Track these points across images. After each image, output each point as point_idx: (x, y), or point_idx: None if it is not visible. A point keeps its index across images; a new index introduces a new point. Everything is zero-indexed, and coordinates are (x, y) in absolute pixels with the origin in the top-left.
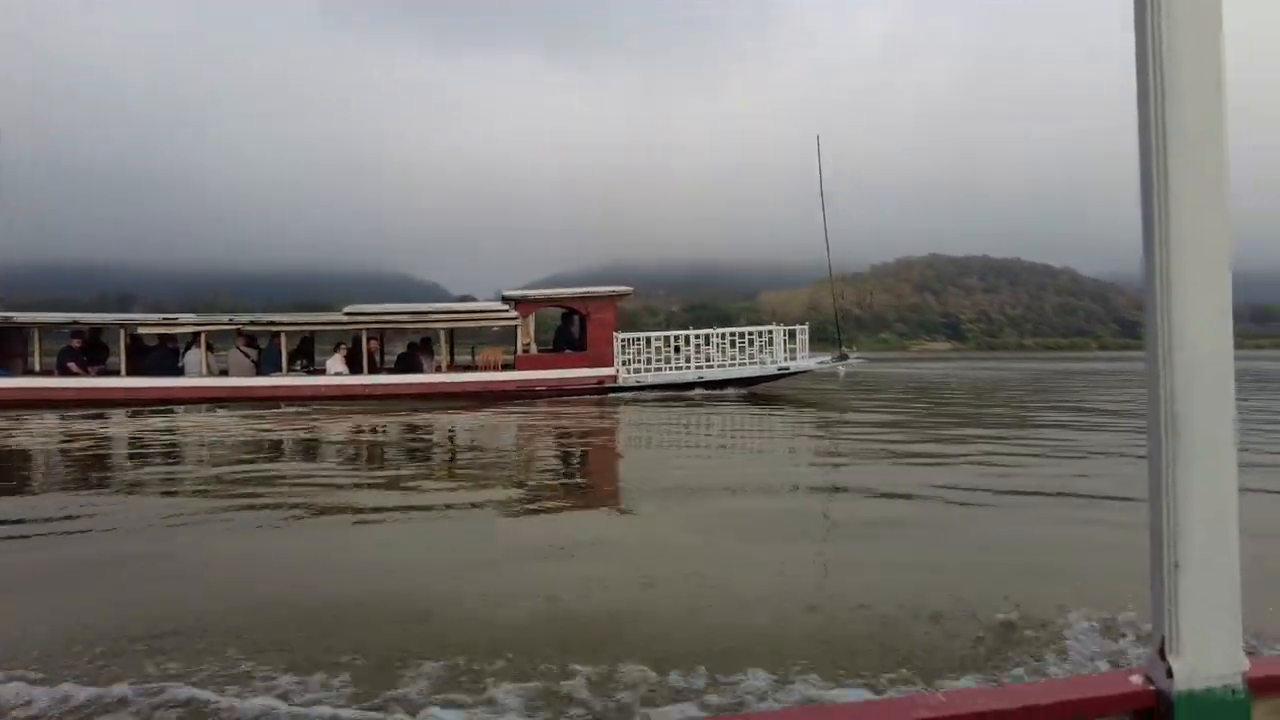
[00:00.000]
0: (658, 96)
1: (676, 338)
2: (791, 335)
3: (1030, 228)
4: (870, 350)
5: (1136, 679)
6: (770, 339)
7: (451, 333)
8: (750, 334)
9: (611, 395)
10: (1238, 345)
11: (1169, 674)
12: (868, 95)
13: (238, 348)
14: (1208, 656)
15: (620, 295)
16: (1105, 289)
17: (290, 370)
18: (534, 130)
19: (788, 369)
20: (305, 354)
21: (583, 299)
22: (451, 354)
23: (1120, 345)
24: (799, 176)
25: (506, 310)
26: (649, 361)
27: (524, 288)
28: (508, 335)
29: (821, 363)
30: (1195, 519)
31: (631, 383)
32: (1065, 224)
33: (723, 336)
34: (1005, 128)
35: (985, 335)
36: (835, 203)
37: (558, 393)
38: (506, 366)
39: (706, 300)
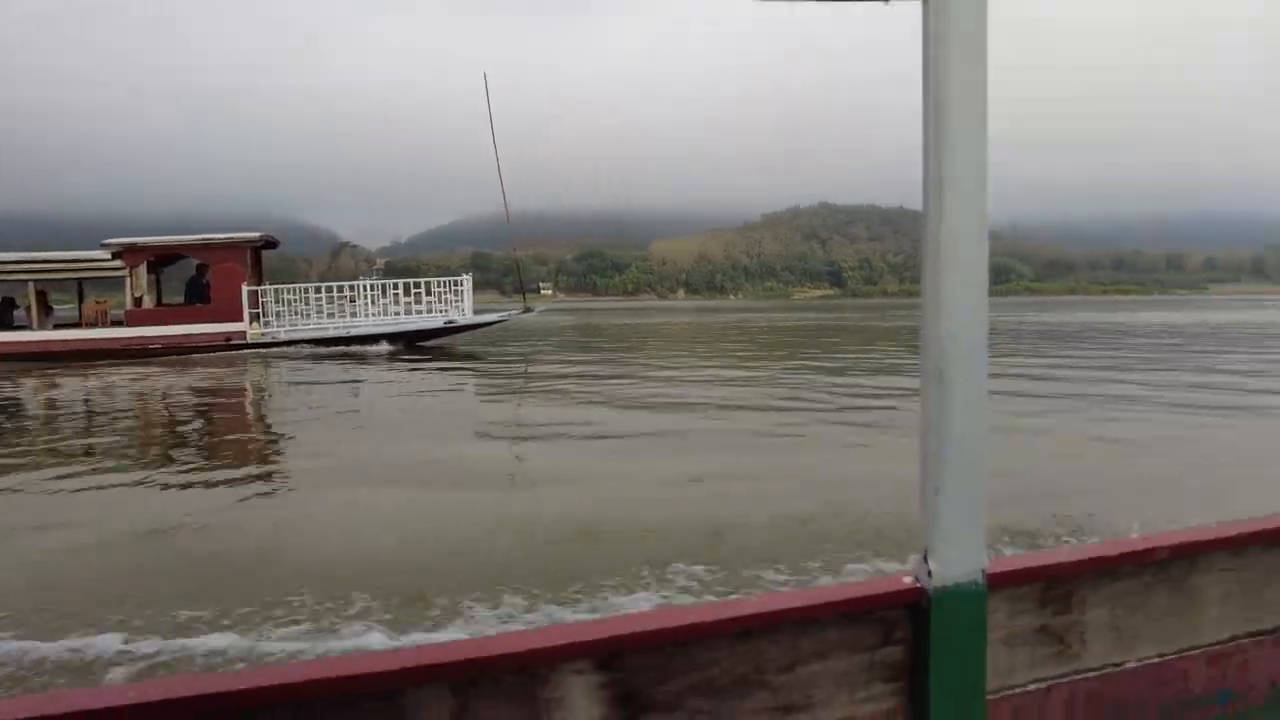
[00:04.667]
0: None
1: (327, 289)
2: (457, 288)
3: (915, 175)
4: (756, 298)
5: (908, 579)
6: (446, 290)
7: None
8: (414, 284)
9: (251, 353)
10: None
11: (930, 574)
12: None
13: None
14: (958, 559)
15: (248, 242)
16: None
17: None
18: (440, 73)
19: (454, 322)
20: None
21: (203, 247)
22: (45, 309)
23: (998, 291)
24: (704, 127)
25: (105, 259)
26: (302, 315)
27: (415, 236)
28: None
29: (503, 316)
30: (951, 453)
31: (265, 339)
32: None
33: (381, 289)
34: (902, 70)
35: (865, 283)
36: (731, 151)
37: (176, 350)
38: (117, 323)
39: (602, 248)
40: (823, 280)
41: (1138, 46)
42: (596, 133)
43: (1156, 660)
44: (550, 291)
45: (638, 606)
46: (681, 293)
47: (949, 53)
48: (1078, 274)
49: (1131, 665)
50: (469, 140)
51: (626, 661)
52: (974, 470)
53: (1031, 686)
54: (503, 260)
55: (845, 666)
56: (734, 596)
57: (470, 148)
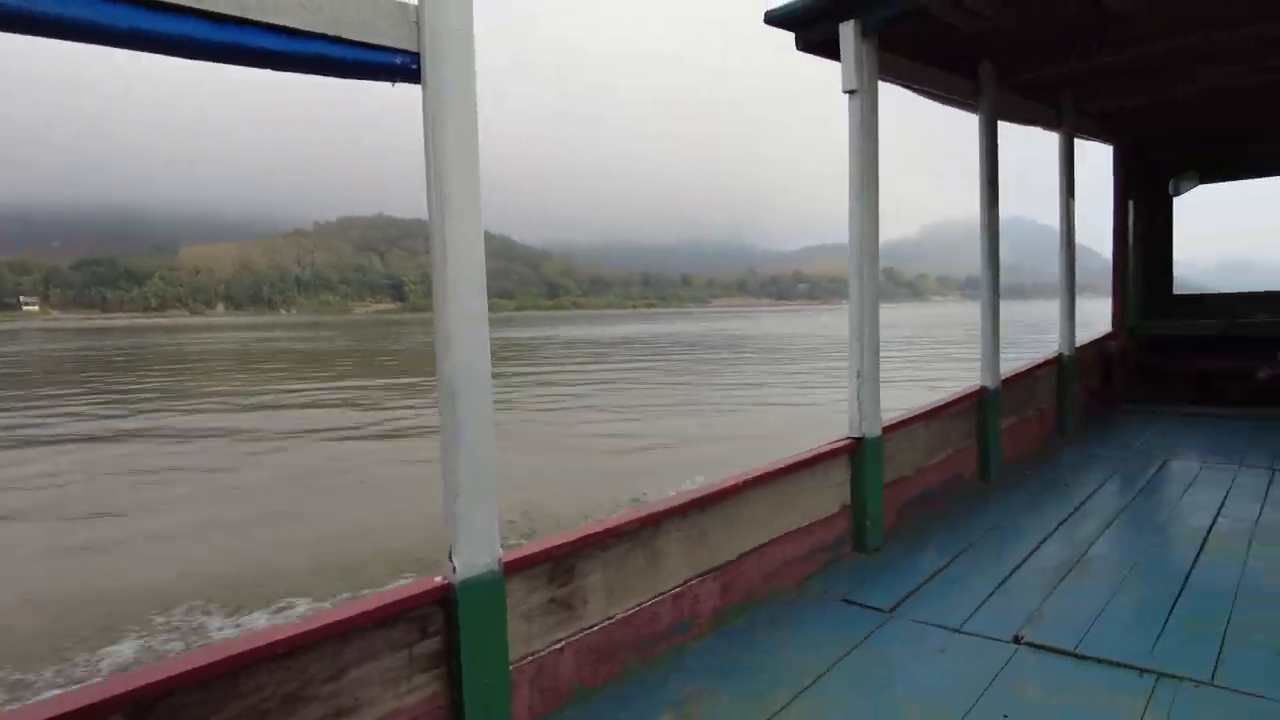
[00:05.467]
0: None
1: None
2: None
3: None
4: (313, 312)
5: (438, 578)
6: None
7: None
8: None
9: None
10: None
11: (455, 570)
12: None
13: None
14: (478, 554)
15: None
16: (538, 256)
17: None
18: None
19: None
20: None
21: None
22: None
23: (549, 306)
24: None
25: None
26: None
27: None
28: None
29: None
30: (465, 460)
31: None
32: (505, 195)
33: None
34: None
35: (427, 296)
36: (277, 146)
37: None
38: None
39: (114, 254)
40: (384, 294)
41: (653, 116)
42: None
43: (636, 608)
44: (36, 307)
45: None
46: (221, 307)
47: (445, 133)
48: (615, 290)
49: (620, 615)
50: None
51: (162, 707)
52: (487, 477)
53: (548, 649)
54: None
55: (389, 664)
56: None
57: None
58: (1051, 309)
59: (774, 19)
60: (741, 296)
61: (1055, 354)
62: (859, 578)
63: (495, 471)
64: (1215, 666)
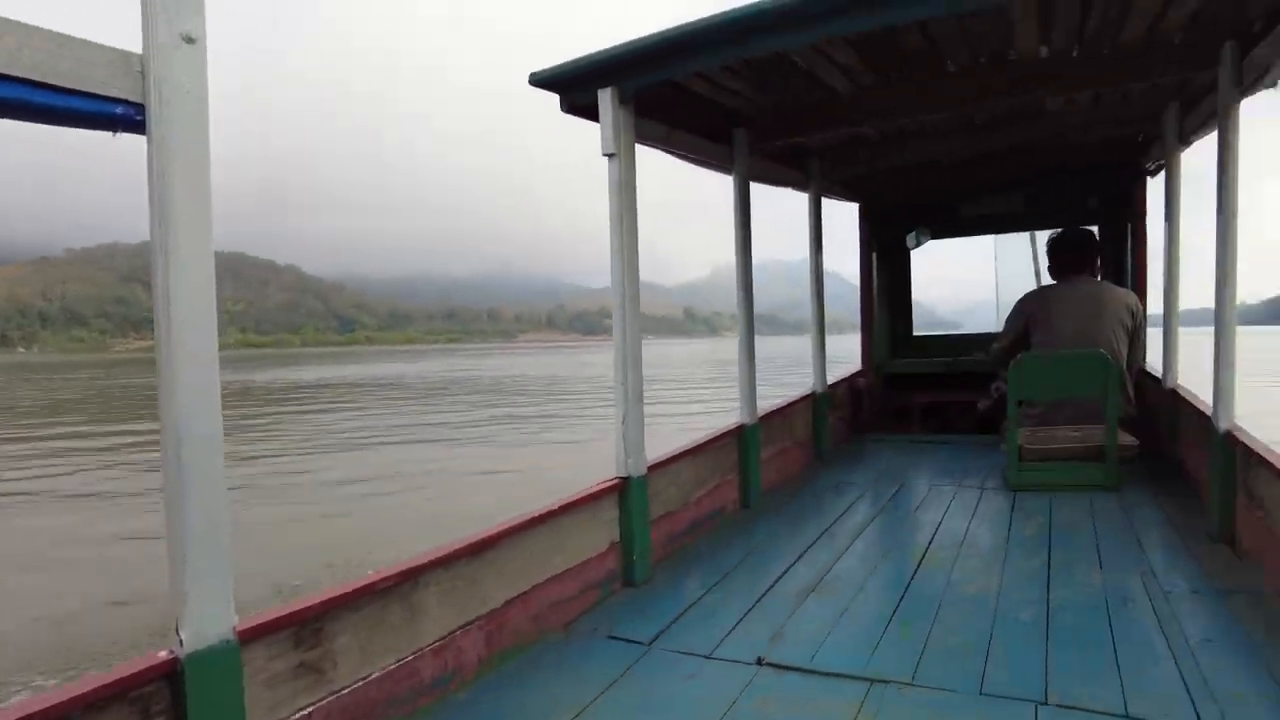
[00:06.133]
0: None
1: None
2: None
3: (256, 225)
4: (61, 350)
5: (162, 653)
6: None
7: None
8: None
9: None
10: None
11: (182, 643)
12: None
13: None
14: (207, 623)
15: None
16: (328, 287)
17: None
18: None
19: None
20: None
21: None
22: None
23: (340, 342)
24: None
25: None
26: None
27: None
28: None
29: None
30: (193, 520)
31: None
32: (296, 222)
33: None
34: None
35: None
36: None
37: None
38: None
39: None
40: (148, 330)
41: (466, 146)
42: None
43: (395, 664)
44: None
45: None
46: None
47: (171, 185)
48: (417, 324)
49: (376, 674)
50: None
51: None
52: (219, 537)
53: (295, 716)
54: None
55: None
56: None
57: None
58: (832, 342)
59: (538, 81)
60: (549, 331)
61: (811, 390)
62: (626, 613)
63: (229, 531)
64: (916, 668)
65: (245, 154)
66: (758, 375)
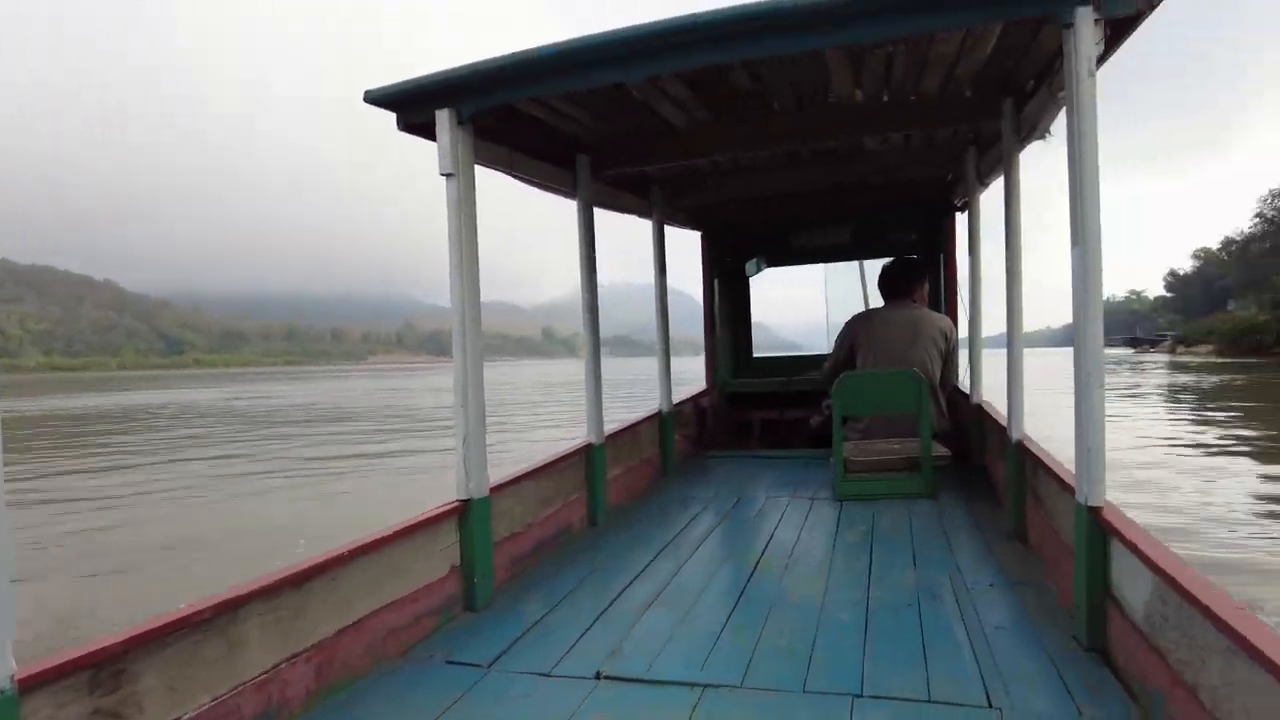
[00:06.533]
0: None
1: None
2: None
3: (69, 236)
4: None
5: None
6: None
7: None
8: None
9: None
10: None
11: None
12: None
13: None
14: None
15: None
16: (153, 305)
17: None
18: None
19: None
20: None
21: None
22: None
23: (164, 365)
24: None
25: None
26: None
27: None
28: None
29: None
30: None
31: None
32: (112, 233)
33: None
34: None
35: (33, 346)
36: None
37: None
38: None
39: None
40: None
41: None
42: None
43: (210, 703)
44: None
45: None
46: None
47: None
48: (252, 345)
49: (190, 715)
50: None
51: None
52: None
53: None
54: None
55: None
56: None
57: None
58: (685, 363)
59: (374, 99)
60: (400, 352)
61: (658, 409)
62: (466, 637)
63: (9, 572)
64: (746, 671)
65: (56, 156)
66: (628, 396)
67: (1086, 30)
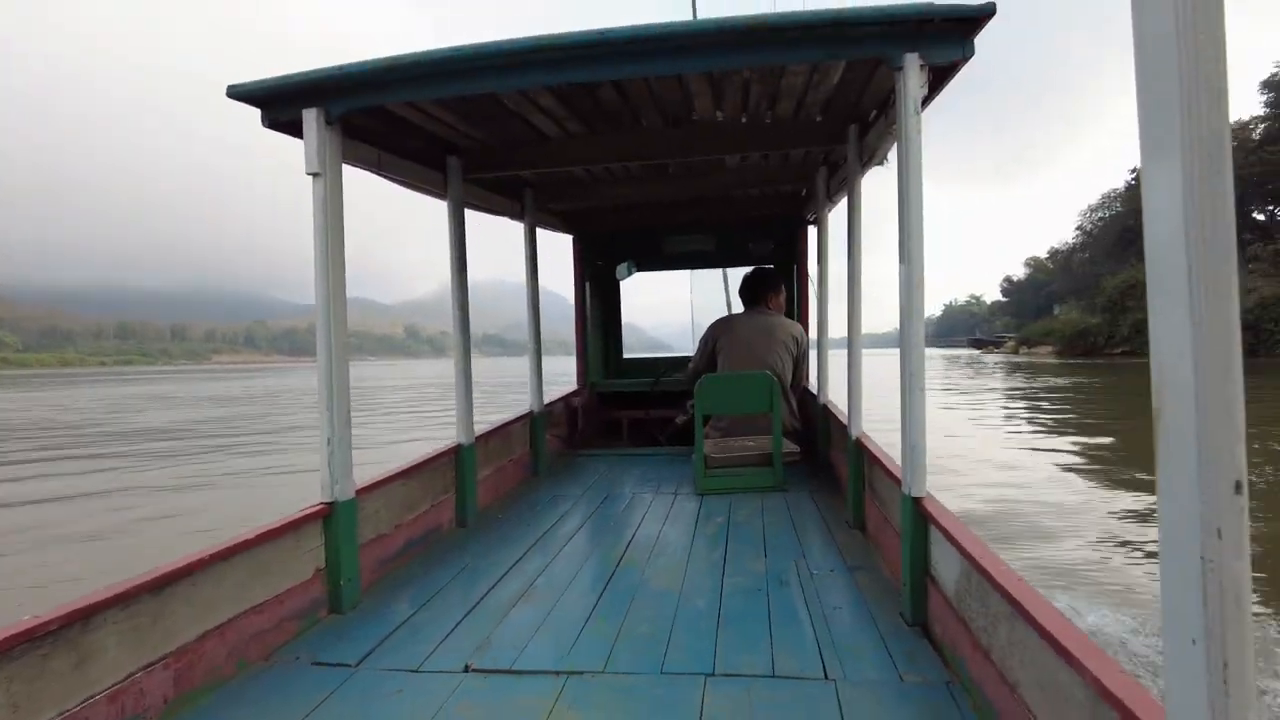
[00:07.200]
0: None
1: None
2: None
3: None
4: None
5: None
6: None
7: None
8: None
9: None
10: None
11: None
12: None
13: None
14: None
15: None
16: None
17: None
18: None
19: None
20: None
21: None
22: None
23: None
24: None
25: None
26: None
27: None
28: None
29: None
30: None
31: None
32: None
33: None
34: None
35: None
36: None
37: None
38: None
39: None
40: None
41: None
42: None
43: (58, 717)
44: None
45: None
46: None
47: None
48: (78, 343)
49: None
50: None
51: None
52: None
53: None
54: None
55: None
56: None
57: None
58: (560, 362)
59: (238, 94)
60: (249, 352)
61: (529, 410)
62: (332, 639)
63: None
64: (608, 658)
65: None
66: (511, 398)
67: (914, 74)
